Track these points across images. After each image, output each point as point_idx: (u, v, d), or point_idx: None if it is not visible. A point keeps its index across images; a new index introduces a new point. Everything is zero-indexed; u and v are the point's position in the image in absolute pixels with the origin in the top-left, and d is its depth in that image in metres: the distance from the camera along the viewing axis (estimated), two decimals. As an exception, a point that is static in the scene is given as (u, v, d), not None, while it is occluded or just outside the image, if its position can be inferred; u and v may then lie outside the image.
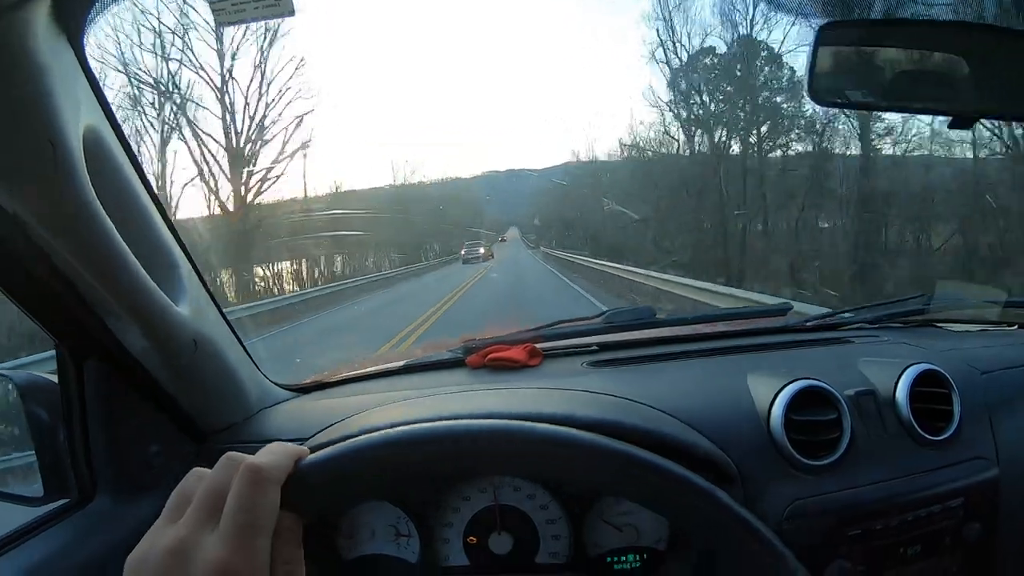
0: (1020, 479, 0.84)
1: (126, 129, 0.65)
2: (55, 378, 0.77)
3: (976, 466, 0.83)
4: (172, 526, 0.41)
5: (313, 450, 0.47)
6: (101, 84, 0.60)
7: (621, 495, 0.57)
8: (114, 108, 0.63)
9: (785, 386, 0.79)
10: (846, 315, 1.12)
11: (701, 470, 0.73)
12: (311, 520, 0.44)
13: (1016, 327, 1.19)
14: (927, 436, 0.81)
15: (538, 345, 0.99)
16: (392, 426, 0.50)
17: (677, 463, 0.68)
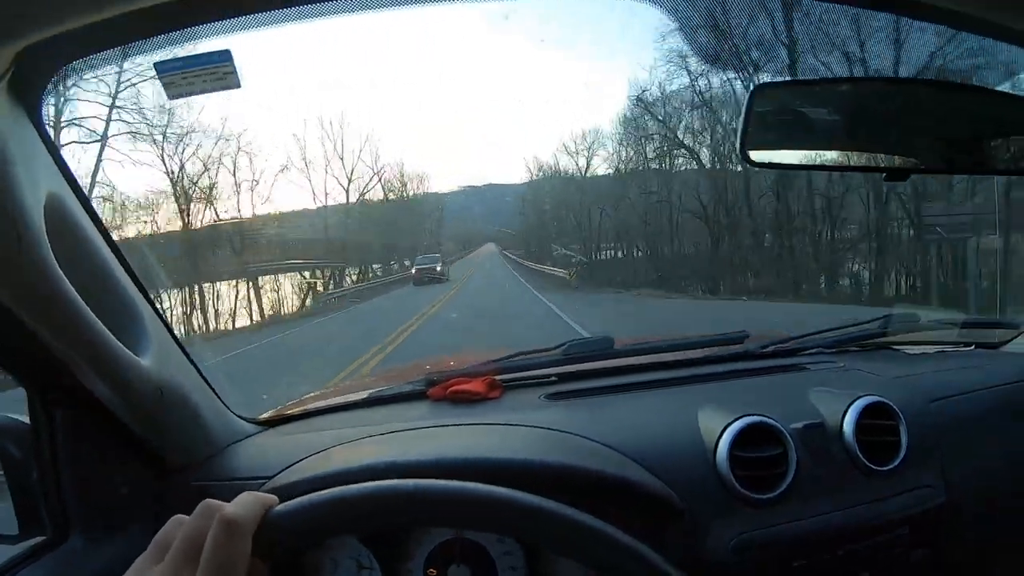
0: (968, 504, 0.88)
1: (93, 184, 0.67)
2: (27, 418, 0.79)
3: (922, 495, 0.86)
4: (155, 568, 0.46)
5: (281, 496, 0.51)
6: (60, 150, 0.63)
7: (553, 551, 0.61)
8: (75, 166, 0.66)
9: (732, 423, 0.82)
10: (804, 340, 1.15)
11: (647, 507, 0.77)
12: (277, 561, 0.49)
13: (973, 347, 1.22)
14: (873, 467, 0.84)
15: (498, 377, 1.02)
16: (351, 471, 0.54)
17: (623, 501, 0.72)
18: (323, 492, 0.52)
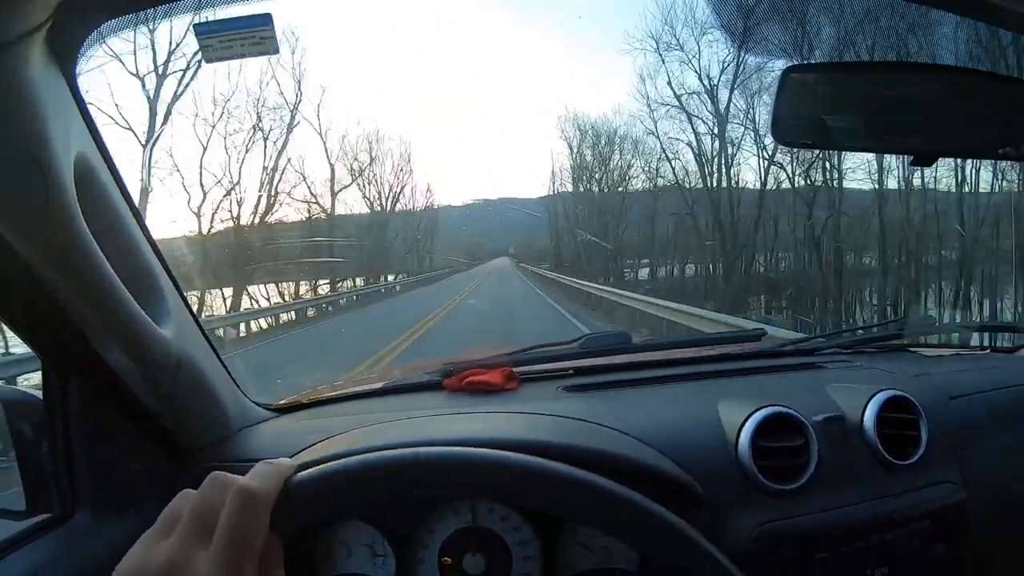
0: (986, 501, 0.87)
1: (120, 155, 0.67)
2: (39, 394, 0.78)
3: (942, 490, 0.85)
4: (164, 542, 0.43)
5: (298, 468, 0.49)
6: (92, 113, 0.63)
7: (593, 525, 0.59)
8: (106, 135, 0.66)
9: (753, 412, 0.81)
10: (821, 340, 1.15)
11: (669, 495, 0.76)
12: (291, 535, 0.47)
13: (988, 351, 1.22)
14: (894, 461, 0.83)
15: (515, 369, 1.01)
16: (372, 449, 0.52)
17: (645, 489, 0.70)
18: (342, 460, 0.50)
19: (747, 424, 0.81)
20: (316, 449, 0.81)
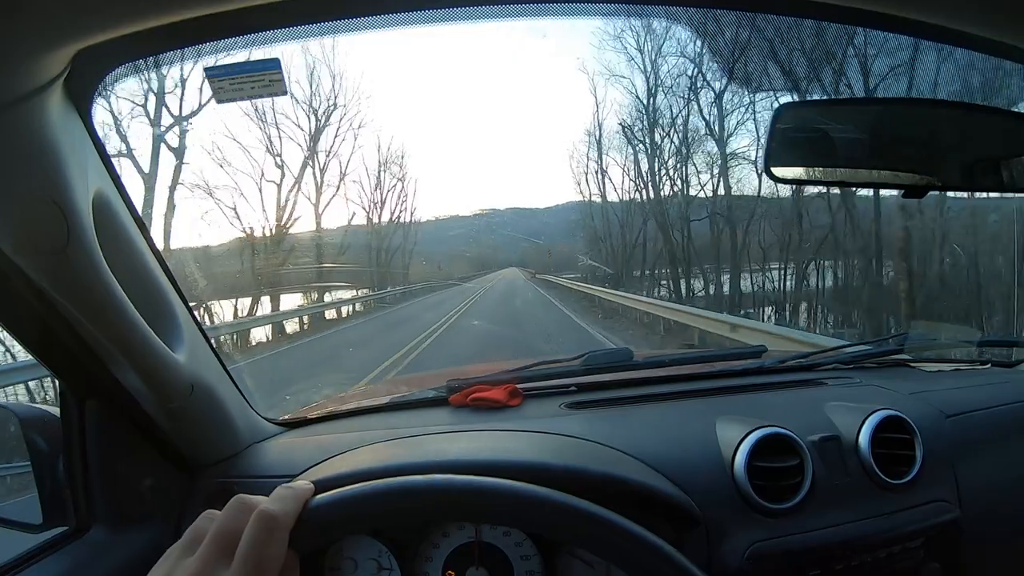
0: (981, 520, 0.88)
1: (135, 185, 0.70)
2: (56, 410, 0.81)
3: (937, 508, 0.86)
4: (187, 559, 0.45)
5: (316, 490, 0.51)
6: (108, 150, 0.65)
7: (586, 549, 0.61)
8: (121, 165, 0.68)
9: (749, 433, 0.83)
10: (822, 356, 1.16)
11: (665, 514, 0.78)
12: (307, 555, 0.49)
13: (989, 366, 1.23)
14: (888, 480, 0.85)
15: (519, 385, 1.03)
16: (383, 469, 0.55)
17: (642, 509, 0.72)
18: (359, 486, 0.52)
19: (743, 444, 0.82)
20: (327, 467, 0.83)
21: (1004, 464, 0.94)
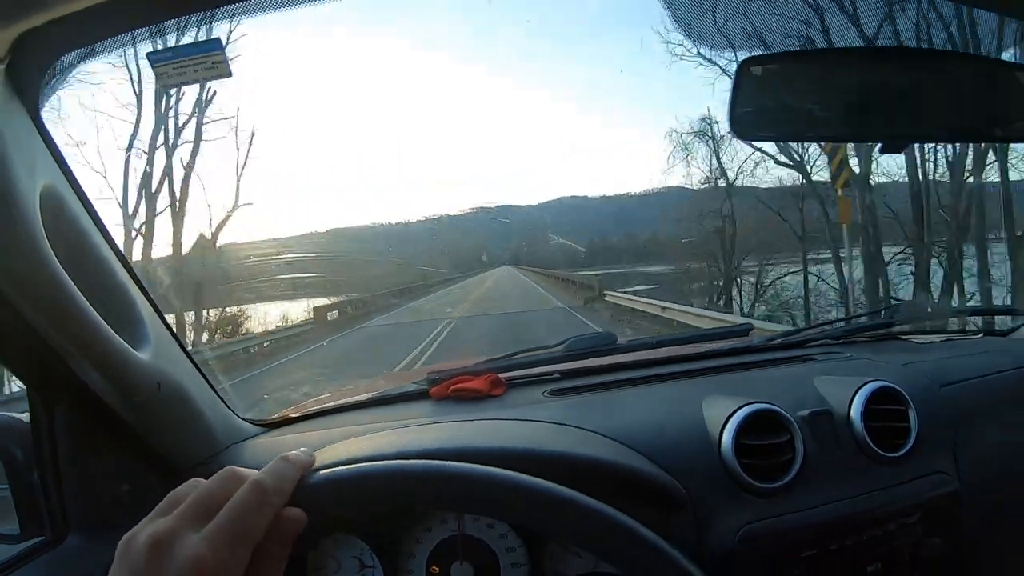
0: (981, 491, 0.85)
1: (91, 181, 0.68)
2: (27, 417, 0.80)
3: (934, 481, 0.83)
4: (162, 518, 0.44)
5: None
6: (57, 142, 0.64)
7: (568, 541, 0.59)
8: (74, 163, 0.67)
9: (736, 410, 0.80)
10: (810, 332, 1.14)
11: (651, 498, 0.76)
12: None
13: (982, 335, 1.20)
14: (883, 453, 0.82)
15: (501, 375, 1.01)
16: (362, 458, 0.53)
17: (627, 493, 0.70)
18: (361, 465, 0.51)
19: (730, 423, 0.80)
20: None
21: (1001, 433, 0.91)
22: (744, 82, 0.63)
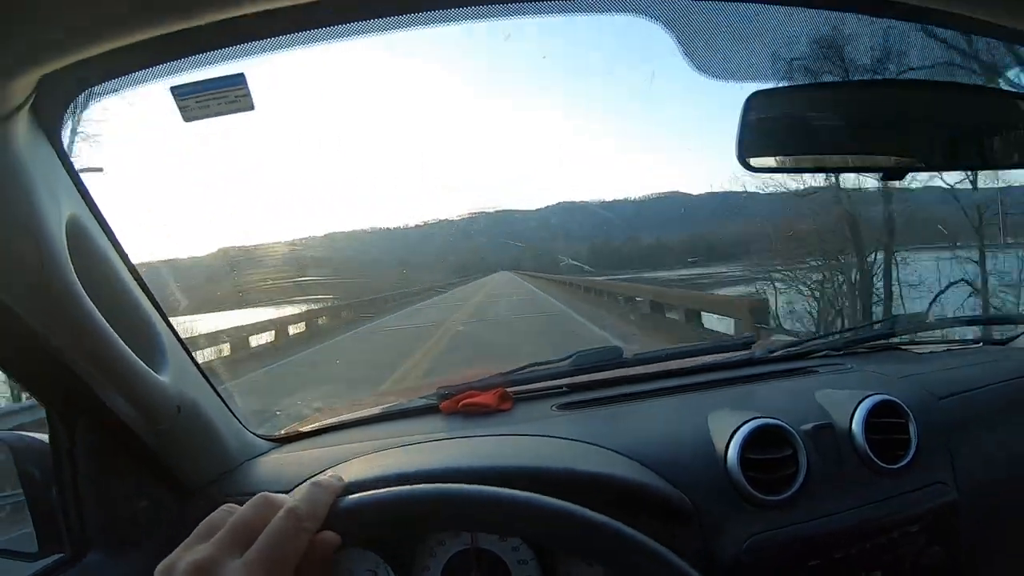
0: (978, 500, 0.88)
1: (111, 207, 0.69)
2: (46, 437, 0.81)
3: (934, 491, 0.86)
4: (201, 545, 0.45)
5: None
6: (79, 172, 0.65)
7: (579, 556, 0.61)
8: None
9: (741, 425, 0.83)
10: (811, 344, 1.16)
11: (658, 512, 0.78)
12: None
13: (980, 344, 1.22)
14: (884, 465, 0.84)
15: (509, 389, 1.03)
16: (371, 480, 0.54)
17: (635, 507, 0.72)
18: (390, 490, 0.52)
19: (735, 437, 0.82)
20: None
21: (1000, 443, 0.93)
22: (751, 115, 0.65)
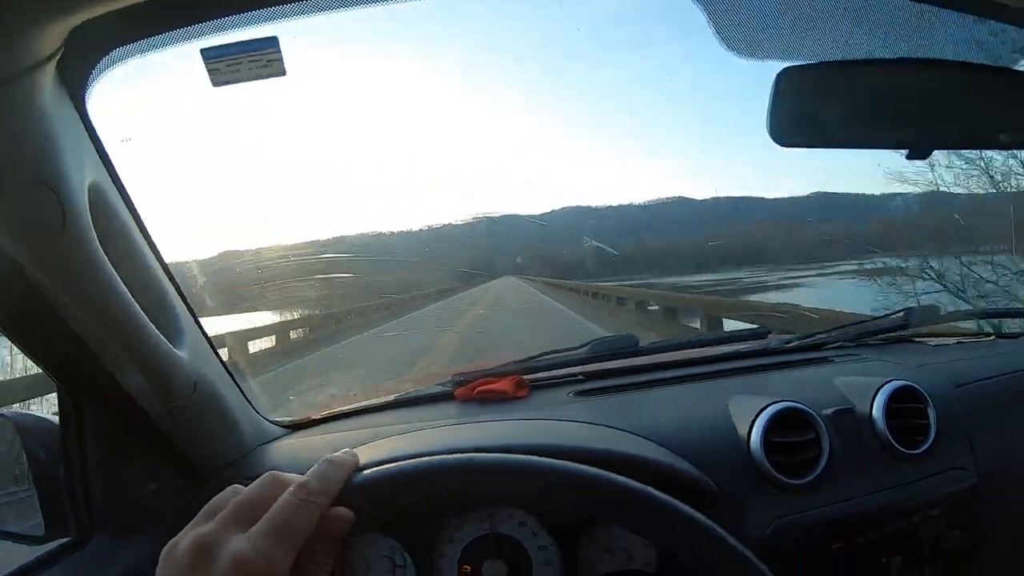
0: (997, 486, 0.88)
1: (132, 180, 0.68)
2: (55, 418, 0.79)
3: (954, 476, 0.86)
4: (205, 524, 0.44)
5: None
6: (104, 141, 0.64)
7: (615, 522, 0.60)
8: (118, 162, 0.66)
9: (764, 408, 0.82)
10: (826, 335, 1.16)
11: (684, 493, 0.77)
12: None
13: (993, 337, 1.23)
14: (904, 450, 0.85)
15: (525, 376, 1.02)
16: (390, 459, 0.53)
17: (659, 488, 0.71)
18: (410, 462, 0.51)
19: (758, 420, 0.82)
20: None
21: (1018, 430, 0.94)
22: (783, 90, 0.65)
